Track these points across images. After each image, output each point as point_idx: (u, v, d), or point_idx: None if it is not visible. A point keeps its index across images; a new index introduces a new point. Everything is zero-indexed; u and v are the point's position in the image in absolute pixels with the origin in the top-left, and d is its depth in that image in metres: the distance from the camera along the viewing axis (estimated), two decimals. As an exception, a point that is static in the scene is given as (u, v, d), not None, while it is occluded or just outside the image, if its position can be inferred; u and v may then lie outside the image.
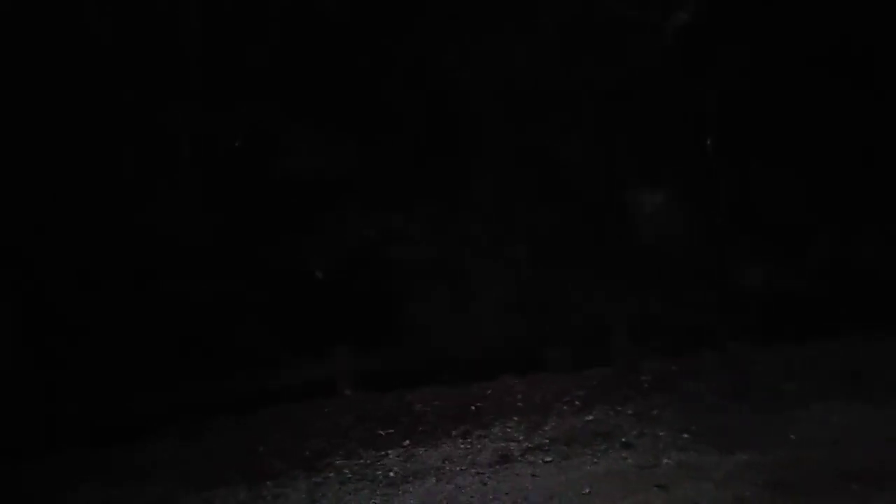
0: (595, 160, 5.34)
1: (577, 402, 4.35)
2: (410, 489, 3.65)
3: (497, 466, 3.79)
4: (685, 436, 3.77)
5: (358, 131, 5.21)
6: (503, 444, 4.00)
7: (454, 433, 4.21)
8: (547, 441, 3.95)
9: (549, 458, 3.78)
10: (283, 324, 5.22)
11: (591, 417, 4.15)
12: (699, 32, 5.27)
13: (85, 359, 5.01)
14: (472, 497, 3.52)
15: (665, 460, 3.58)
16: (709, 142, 5.47)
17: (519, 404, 4.47)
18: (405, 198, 5.20)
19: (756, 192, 5.47)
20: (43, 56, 4.75)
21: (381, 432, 4.36)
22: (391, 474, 3.83)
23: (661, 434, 3.83)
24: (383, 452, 4.11)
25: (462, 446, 4.06)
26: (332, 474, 3.94)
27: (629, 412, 4.15)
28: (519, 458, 3.82)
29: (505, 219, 5.30)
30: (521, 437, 4.05)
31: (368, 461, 4.04)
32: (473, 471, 3.75)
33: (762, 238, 5.41)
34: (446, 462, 3.90)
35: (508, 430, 4.16)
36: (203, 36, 5.25)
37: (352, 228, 5.15)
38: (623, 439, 3.84)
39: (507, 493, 3.49)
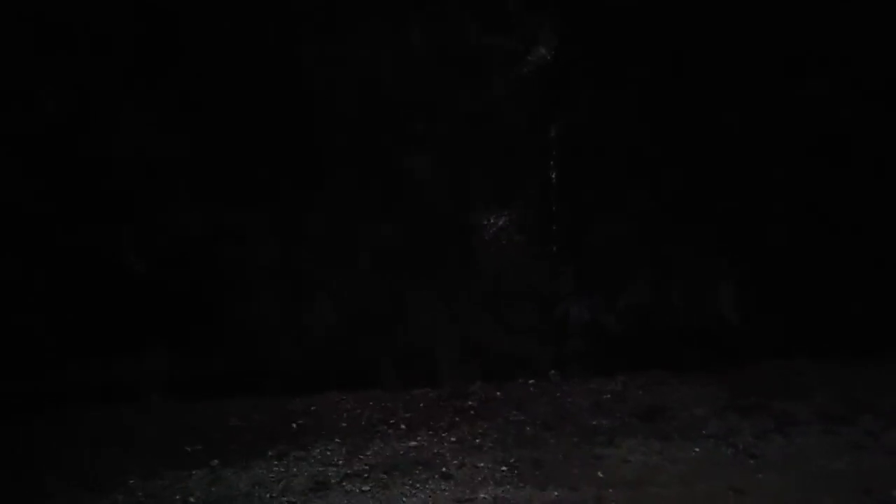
0: (444, 178, 5.28)
1: (402, 426, 4.27)
2: (210, 519, 3.34)
3: (311, 494, 3.59)
4: (503, 469, 3.81)
5: (200, 113, 4.73)
6: (321, 469, 3.81)
7: (270, 453, 3.95)
8: (367, 468, 3.82)
9: (366, 487, 3.65)
10: (82, 313, 4.61)
11: (414, 443, 4.09)
12: (555, 67, 5.40)
13: None
14: (278, 531, 3.31)
15: (482, 494, 3.59)
16: (553, 174, 5.63)
17: (343, 424, 4.31)
18: (243, 192, 4.80)
19: (589, 230, 5.70)
20: None
21: (188, 448, 3.98)
22: (191, 499, 3.50)
23: (480, 465, 3.85)
24: (187, 473, 3.75)
25: (276, 469, 3.82)
26: (121, 496, 3.51)
27: (452, 439, 4.14)
28: (335, 486, 3.66)
29: (347, 227, 5.07)
30: (340, 462, 3.88)
31: (167, 482, 3.67)
32: (285, 499, 3.53)
33: (590, 274, 5.65)
34: (256, 487, 3.63)
35: (328, 452, 3.98)
36: None
37: (179, 221, 4.65)
38: (444, 469, 3.81)
39: (316, 527, 3.32)
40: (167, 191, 4.70)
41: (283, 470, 3.80)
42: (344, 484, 3.68)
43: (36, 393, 4.38)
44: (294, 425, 4.25)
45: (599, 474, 3.76)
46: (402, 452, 3.98)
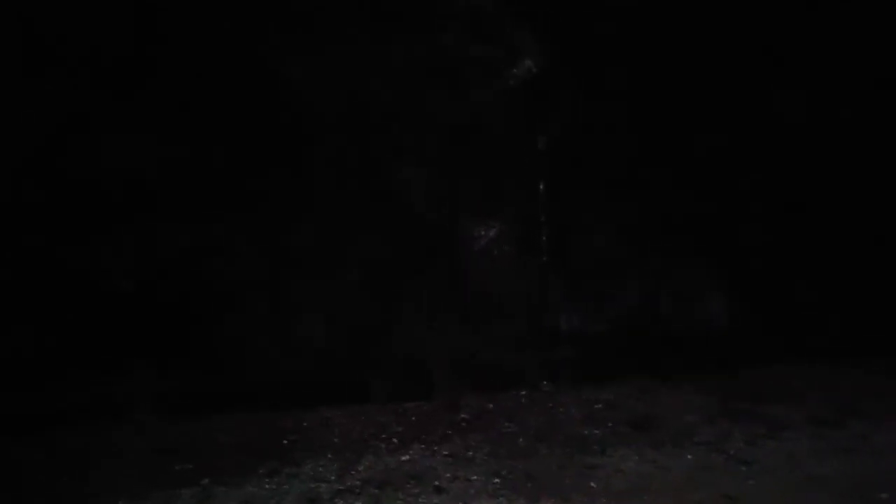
0: (431, 190, 5.31)
1: (394, 440, 4.24)
2: (201, 539, 3.30)
3: (302, 511, 3.56)
4: (496, 481, 3.79)
5: (188, 132, 4.72)
6: (313, 486, 3.77)
7: (261, 471, 3.90)
8: (359, 483, 3.78)
9: (358, 503, 3.62)
10: (69, 333, 4.56)
11: (406, 457, 4.06)
12: (539, 80, 5.45)
13: None
14: (269, 548, 3.27)
15: (474, 508, 3.57)
16: (540, 185, 5.67)
17: (335, 439, 4.27)
18: (231, 208, 4.79)
19: (578, 240, 5.73)
20: None
21: (177, 467, 3.93)
22: (181, 520, 3.45)
23: (473, 478, 3.82)
24: (176, 492, 3.70)
25: (268, 487, 3.77)
26: (109, 520, 3.47)
27: (445, 452, 4.11)
28: (327, 502, 3.62)
29: (335, 241, 5.08)
30: (332, 478, 3.84)
31: (157, 502, 3.61)
32: (276, 517, 3.49)
33: (578, 284, 5.67)
34: (247, 505, 3.59)
35: (320, 468, 3.94)
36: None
37: (166, 237, 4.63)
38: (436, 483, 3.78)
39: (307, 544, 3.28)
40: (154, 208, 4.69)
41: (274, 487, 3.75)
42: (336, 500, 3.64)
43: (22, 413, 4.33)
44: (285, 442, 4.21)
45: (592, 485, 3.75)
46: (394, 467, 3.95)
